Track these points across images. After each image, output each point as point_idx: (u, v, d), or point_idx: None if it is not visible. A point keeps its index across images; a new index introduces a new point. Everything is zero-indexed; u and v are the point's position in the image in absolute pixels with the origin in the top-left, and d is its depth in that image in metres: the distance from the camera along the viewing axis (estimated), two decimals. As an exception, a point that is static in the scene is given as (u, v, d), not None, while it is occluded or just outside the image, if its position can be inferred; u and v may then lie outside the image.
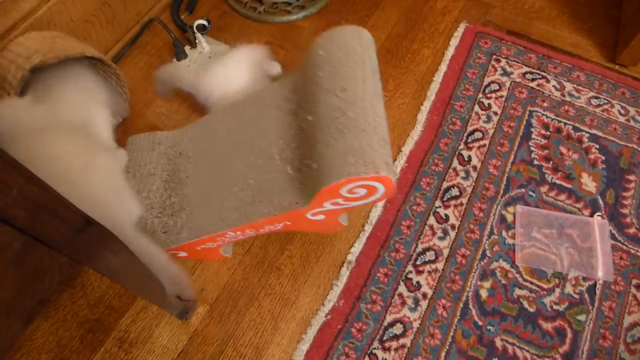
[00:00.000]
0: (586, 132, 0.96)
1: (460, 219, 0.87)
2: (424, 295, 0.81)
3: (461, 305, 0.80)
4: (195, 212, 0.73)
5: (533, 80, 1.03)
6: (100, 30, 1.03)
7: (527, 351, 0.76)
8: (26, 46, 0.80)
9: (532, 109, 0.99)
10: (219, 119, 0.81)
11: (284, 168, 0.68)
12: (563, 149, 0.94)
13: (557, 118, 0.98)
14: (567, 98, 1.00)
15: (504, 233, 0.86)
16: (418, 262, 0.83)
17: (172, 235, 0.72)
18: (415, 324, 0.78)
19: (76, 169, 0.69)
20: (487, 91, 1.02)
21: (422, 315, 0.79)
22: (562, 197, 0.89)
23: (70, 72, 0.87)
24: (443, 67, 1.05)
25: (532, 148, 0.94)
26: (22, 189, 0.35)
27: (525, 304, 0.80)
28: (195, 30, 1.05)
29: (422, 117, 0.98)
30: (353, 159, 0.57)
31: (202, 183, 0.75)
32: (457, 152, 0.94)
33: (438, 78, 1.03)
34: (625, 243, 0.85)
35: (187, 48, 1.07)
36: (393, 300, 0.80)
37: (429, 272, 0.82)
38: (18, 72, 0.77)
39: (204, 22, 1.10)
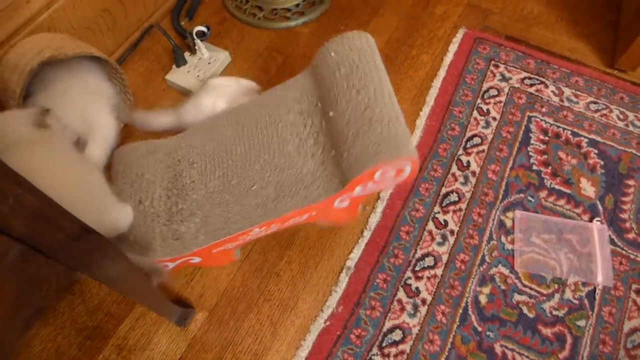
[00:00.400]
0: (585, 137, 0.96)
1: (459, 224, 0.87)
2: (423, 301, 0.80)
3: (460, 311, 0.79)
4: (212, 215, 0.73)
5: (532, 85, 1.03)
6: (101, 36, 1.04)
7: (527, 357, 0.76)
8: (36, 43, 0.81)
9: (530, 114, 0.99)
10: (223, 124, 0.82)
11: (305, 163, 0.73)
12: (562, 154, 0.94)
13: (555, 123, 0.98)
14: (566, 103, 1.01)
15: (503, 238, 0.86)
16: (417, 268, 0.83)
17: (186, 241, 0.72)
18: (415, 330, 0.78)
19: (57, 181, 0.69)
20: (485, 97, 1.02)
21: (421, 321, 0.79)
22: (561, 202, 0.89)
23: (78, 71, 0.87)
24: (442, 73, 1.05)
25: (530, 153, 0.94)
26: (19, 198, 0.36)
27: (525, 310, 0.79)
28: (195, 37, 1.06)
29: (421, 122, 0.99)
30: (386, 145, 0.65)
31: (213, 187, 0.76)
32: (455, 158, 0.94)
33: (437, 84, 1.04)
34: (625, 248, 0.85)
35: (186, 54, 1.08)
36: (392, 306, 0.80)
37: (428, 278, 0.82)
38: (27, 66, 0.77)
39: (204, 28, 1.11)
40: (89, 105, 0.87)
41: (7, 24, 0.85)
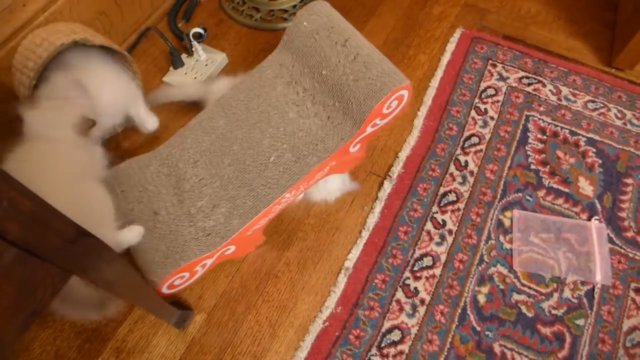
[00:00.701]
0: (583, 136, 0.96)
1: (457, 224, 0.87)
2: (422, 301, 0.80)
3: (459, 311, 0.79)
4: (238, 198, 0.75)
5: (529, 84, 1.03)
6: (98, 39, 1.04)
7: (526, 356, 0.76)
8: (55, 29, 0.81)
9: (528, 113, 0.99)
10: (211, 118, 0.83)
11: (311, 123, 0.79)
12: (560, 153, 0.94)
13: (553, 122, 0.98)
14: (564, 102, 1.00)
15: (501, 238, 0.86)
16: (415, 268, 0.83)
17: (220, 233, 0.73)
18: (413, 330, 0.78)
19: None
20: (483, 96, 1.02)
21: (420, 322, 0.79)
22: (560, 201, 0.89)
23: (93, 58, 0.86)
24: (439, 73, 1.05)
25: (528, 152, 0.94)
26: (13, 201, 0.35)
27: (524, 309, 0.79)
28: (192, 39, 1.06)
29: (418, 122, 0.99)
30: (386, 79, 0.74)
31: (229, 174, 0.78)
32: (453, 157, 0.94)
33: (434, 83, 1.04)
34: (623, 247, 0.84)
35: (184, 56, 1.08)
36: (391, 307, 0.80)
37: (427, 278, 0.82)
38: (50, 47, 0.76)
39: (201, 30, 1.11)
40: (116, 81, 0.88)
41: (4, 27, 0.85)
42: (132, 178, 0.80)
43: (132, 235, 0.73)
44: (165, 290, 0.73)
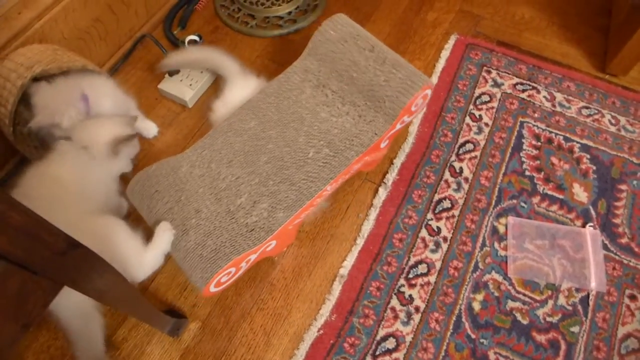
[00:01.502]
0: (577, 142, 0.96)
1: (452, 231, 0.87)
2: (417, 309, 0.80)
3: (454, 319, 0.79)
4: (280, 193, 0.78)
5: (524, 91, 1.04)
6: (93, 46, 1.04)
7: (521, 364, 0.76)
8: (28, 56, 0.81)
9: (523, 119, 1.00)
10: (241, 120, 0.87)
11: (344, 120, 0.85)
12: (554, 160, 0.94)
13: (548, 129, 0.98)
14: (558, 108, 1.01)
15: (496, 245, 0.86)
16: (410, 275, 0.83)
17: (264, 227, 0.75)
18: (408, 338, 0.78)
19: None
20: (478, 102, 1.02)
21: (414, 329, 0.79)
22: (554, 207, 0.89)
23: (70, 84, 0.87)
24: (434, 79, 1.05)
25: (523, 159, 0.94)
26: (1, 215, 0.35)
27: (519, 316, 0.79)
28: (187, 46, 1.06)
29: (413, 129, 0.99)
30: (414, 79, 0.82)
31: (267, 171, 0.80)
32: (448, 164, 0.94)
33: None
34: (618, 253, 0.85)
35: (179, 63, 1.08)
36: (386, 314, 0.80)
37: (422, 285, 0.82)
38: (18, 80, 0.77)
39: (196, 37, 1.11)
40: (113, 92, 0.89)
41: (-2, 35, 0.86)
42: (165, 179, 0.81)
43: (164, 233, 0.74)
44: (212, 289, 0.73)
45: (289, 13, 1.18)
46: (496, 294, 0.81)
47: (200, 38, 1.12)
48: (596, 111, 1.00)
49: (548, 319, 0.79)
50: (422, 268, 0.84)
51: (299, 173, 0.80)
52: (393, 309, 0.80)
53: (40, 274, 0.42)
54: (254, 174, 0.81)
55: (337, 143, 0.82)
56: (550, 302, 0.80)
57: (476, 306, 0.80)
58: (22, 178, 0.73)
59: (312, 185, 0.79)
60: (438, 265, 0.84)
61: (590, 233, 0.86)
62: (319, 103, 0.87)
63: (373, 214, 0.89)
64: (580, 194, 0.91)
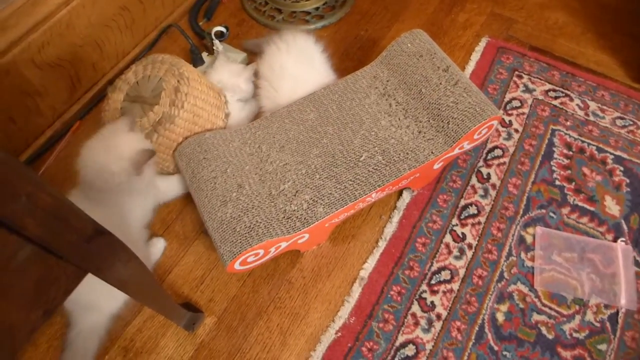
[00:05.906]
0: (610, 153, 0.93)
1: (477, 238, 0.85)
2: (438, 316, 0.78)
3: (476, 329, 0.77)
4: (324, 188, 0.78)
5: (556, 98, 1.00)
6: (119, 34, 1.03)
7: (545, 380, 0.73)
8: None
9: (554, 127, 0.97)
10: (302, 110, 0.88)
11: (403, 133, 0.83)
12: (586, 170, 0.91)
13: (580, 138, 0.95)
14: (591, 118, 0.98)
15: (522, 255, 0.83)
16: (433, 282, 0.81)
17: (301, 218, 0.76)
18: (428, 346, 0.76)
19: None
20: (508, 108, 0.99)
21: (435, 337, 0.76)
22: (584, 219, 0.86)
23: None
24: (463, 82, 1.03)
25: (553, 168, 0.91)
26: (32, 197, 0.34)
27: (544, 330, 0.76)
28: (213, 37, 1.05)
29: (440, 131, 0.96)
30: (484, 107, 0.80)
31: (315, 164, 0.81)
32: (475, 169, 0.92)
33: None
34: (650, 270, 0.81)
35: (204, 54, 1.07)
36: (406, 320, 0.78)
37: (444, 292, 0.80)
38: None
39: (222, 29, 1.10)
40: None
41: (26, 20, 0.85)
42: (216, 149, 0.82)
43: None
44: (237, 266, 0.73)
45: (317, 9, 1.17)
46: (521, 305, 0.79)
47: (227, 30, 1.10)
48: (631, 122, 0.97)
49: (575, 334, 0.76)
50: (445, 274, 0.81)
51: (347, 173, 0.80)
52: (414, 315, 0.78)
53: (65, 259, 0.41)
54: (302, 164, 0.81)
55: (392, 153, 0.81)
56: (578, 318, 0.78)
57: (500, 317, 0.78)
58: None
59: (358, 188, 0.78)
60: (462, 272, 0.81)
61: (622, 248, 0.83)
62: (382, 111, 0.86)
63: (396, 216, 0.87)
64: (612, 207, 0.87)
